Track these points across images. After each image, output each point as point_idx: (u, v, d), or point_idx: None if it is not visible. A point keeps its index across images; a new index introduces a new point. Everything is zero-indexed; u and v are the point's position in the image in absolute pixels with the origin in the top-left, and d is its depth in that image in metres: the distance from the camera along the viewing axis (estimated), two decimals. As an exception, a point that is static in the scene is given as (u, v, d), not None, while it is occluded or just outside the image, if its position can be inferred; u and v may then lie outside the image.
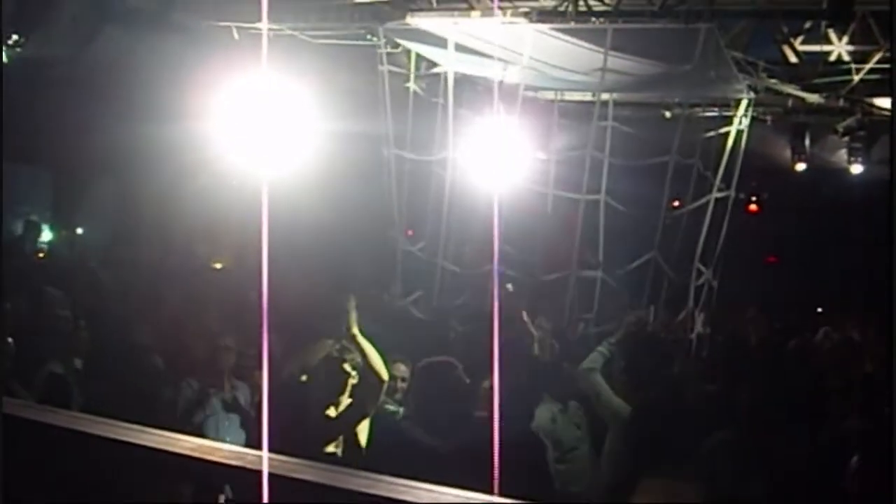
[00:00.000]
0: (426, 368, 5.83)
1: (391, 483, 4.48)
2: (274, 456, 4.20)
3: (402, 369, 6.78)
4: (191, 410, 6.17)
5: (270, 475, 3.63)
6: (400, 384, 6.74)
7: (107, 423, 4.44)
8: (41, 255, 12.32)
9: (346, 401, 6.19)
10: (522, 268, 10.52)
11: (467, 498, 3.60)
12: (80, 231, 14.30)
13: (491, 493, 3.20)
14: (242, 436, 6.26)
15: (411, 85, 10.56)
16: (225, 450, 4.38)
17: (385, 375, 6.12)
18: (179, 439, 4.35)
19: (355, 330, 6.07)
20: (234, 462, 4.05)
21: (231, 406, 6.30)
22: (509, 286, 10.71)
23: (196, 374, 6.39)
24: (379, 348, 6.18)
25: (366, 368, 6.12)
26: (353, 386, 6.20)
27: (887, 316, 5.05)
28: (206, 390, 6.27)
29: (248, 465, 3.94)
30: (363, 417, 6.17)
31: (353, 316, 6.11)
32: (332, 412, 6.17)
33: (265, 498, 2.55)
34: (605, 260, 10.71)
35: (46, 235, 13.39)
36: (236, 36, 10.27)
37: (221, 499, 5.33)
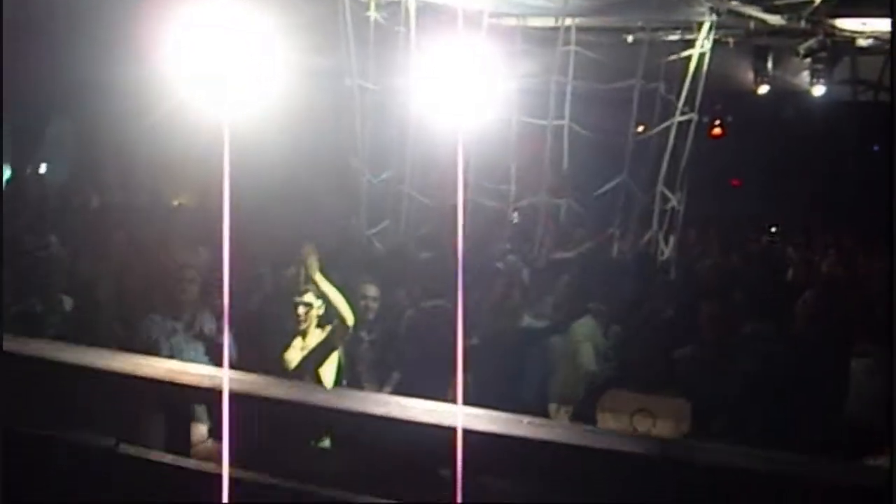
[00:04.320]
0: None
1: (362, 398, 4.54)
2: (237, 375, 4.23)
3: (371, 290, 6.89)
4: (157, 341, 6.17)
5: (238, 394, 3.65)
6: (371, 304, 6.88)
7: (76, 350, 4.45)
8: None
9: (314, 331, 6.20)
10: (494, 196, 10.55)
11: (436, 408, 3.66)
12: (41, 171, 14.11)
13: (455, 402, 3.26)
14: (207, 361, 6.26)
15: (372, 14, 10.41)
16: (191, 371, 4.40)
17: (350, 320, 6.13)
18: (146, 363, 4.37)
19: (317, 277, 6.05)
20: (202, 383, 4.07)
21: (197, 336, 6.30)
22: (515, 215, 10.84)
23: (161, 307, 6.39)
24: (342, 289, 6.19)
25: (332, 311, 6.15)
26: (320, 317, 6.21)
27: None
28: (171, 322, 6.27)
29: (214, 386, 3.96)
30: (331, 351, 6.20)
31: (314, 263, 6.08)
32: (299, 343, 6.18)
33: (226, 413, 2.58)
34: (574, 186, 10.76)
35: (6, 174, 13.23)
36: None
37: (203, 428, 5.35)
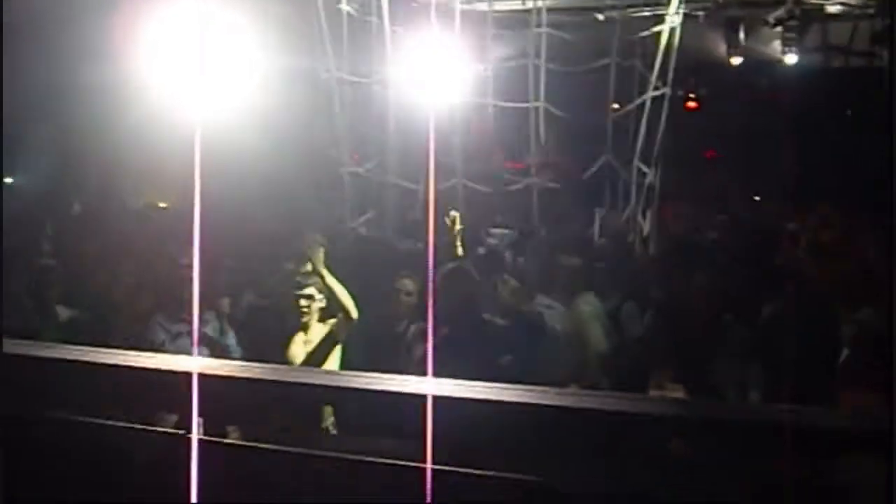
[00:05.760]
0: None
1: (339, 374, 4.58)
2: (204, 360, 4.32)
3: (407, 284, 6.82)
4: (163, 343, 6.23)
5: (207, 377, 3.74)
6: (405, 298, 6.78)
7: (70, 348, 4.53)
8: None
9: (315, 325, 6.24)
10: (483, 180, 10.63)
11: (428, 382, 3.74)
12: (16, 181, 14.06)
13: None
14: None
15: (344, 6, 10.46)
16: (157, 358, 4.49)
17: (354, 314, 6.15)
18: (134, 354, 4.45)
19: (322, 269, 6.10)
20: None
21: (202, 337, 6.36)
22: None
23: (163, 310, 6.43)
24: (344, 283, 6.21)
25: (335, 304, 6.17)
26: (322, 310, 6.24)
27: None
28: (175, 325, 6.31)
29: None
30: (334, 345, 6.22)
31: (320, 255, 6.12)
32: (302, 338, 6.22)
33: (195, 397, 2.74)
34: (556, 167, 10.86)
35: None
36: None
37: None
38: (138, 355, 4.21)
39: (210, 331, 6.47)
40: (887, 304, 5.31)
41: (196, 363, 3.38)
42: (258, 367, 4.14)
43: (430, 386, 3.09)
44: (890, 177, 4.08)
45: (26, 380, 4.25)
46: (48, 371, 4.31)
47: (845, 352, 5.83)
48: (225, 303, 6.75)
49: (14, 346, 4.42)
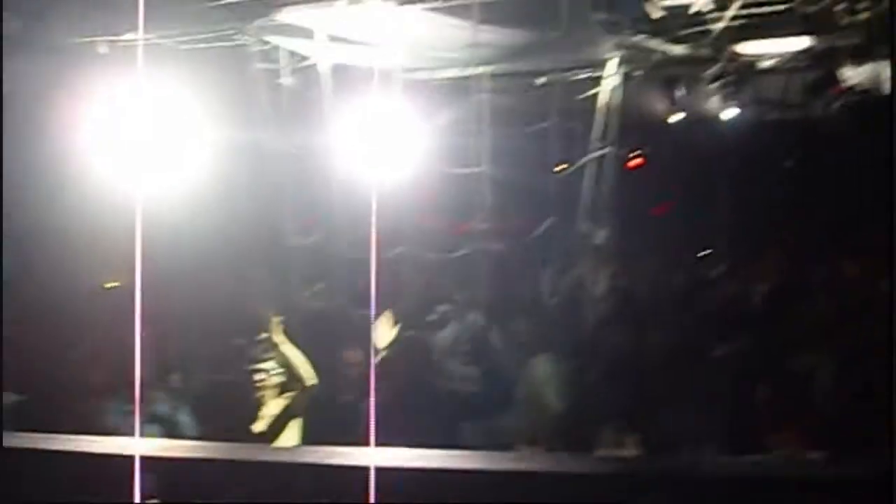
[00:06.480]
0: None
1: (284, 450, 4.48)
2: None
3: (353, 356, 6.73)
4: (116, 426, 6.12)
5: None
6: (354, 369, 6.76)
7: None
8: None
9: (274, 399, 6.15)
10: (426, 246, 10.64)
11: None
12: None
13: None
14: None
15: (285, 80, 10.51)
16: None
17: (310, 381, 6.08)
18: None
19: (278, 339, 6.02)
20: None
21: (153, 416, 6.27)
22: None
23: (113, 391, 6.33)
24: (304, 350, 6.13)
25: (291, 376, 6.08)
26: (283, 383, 6.15)
27: (888, 311, 5.38)
28: (125, 405, 6.20)
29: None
30: (291, 418, 6.13)
31: (278, 326, 6.04)
32: (259, 412, 6.12)
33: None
34: (502, 230, 10.93)
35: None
36: (104, 50, 10.09)
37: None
38: (79, 440, 4.13)
39: (162, 409, 6.37)
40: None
41: (139, 446, 3.32)
42: (201, 446, 4.08)
43: (372, 456, 3.04)
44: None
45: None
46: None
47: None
48: (176, 379, 6.67)
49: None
